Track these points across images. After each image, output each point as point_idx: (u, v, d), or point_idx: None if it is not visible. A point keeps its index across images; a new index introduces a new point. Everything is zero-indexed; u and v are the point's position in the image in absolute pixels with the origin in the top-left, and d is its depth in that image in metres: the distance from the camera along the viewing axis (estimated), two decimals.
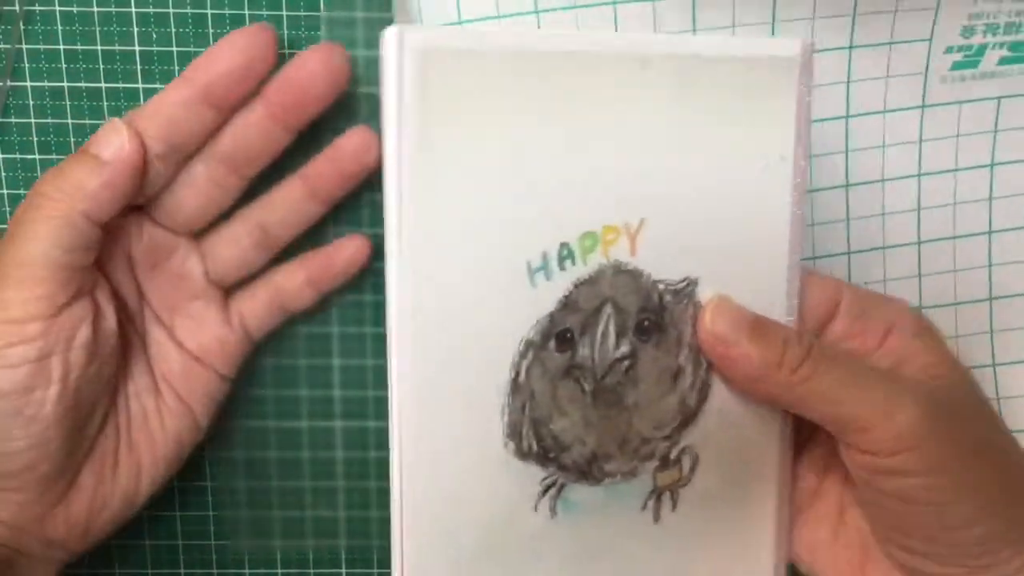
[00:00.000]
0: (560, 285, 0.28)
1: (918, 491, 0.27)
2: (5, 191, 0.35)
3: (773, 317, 0.28)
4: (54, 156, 0.34)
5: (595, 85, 0.27)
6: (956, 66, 0.33)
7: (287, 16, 0.33)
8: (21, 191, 0.35)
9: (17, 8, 0.33)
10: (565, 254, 0.27)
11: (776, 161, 0.28)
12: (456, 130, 0.26)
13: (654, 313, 0.28)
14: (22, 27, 0.33)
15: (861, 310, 0.29)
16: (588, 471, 0.29)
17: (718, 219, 0.28)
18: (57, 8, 0.33)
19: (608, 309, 0.28)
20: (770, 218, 0.29)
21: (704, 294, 0.28)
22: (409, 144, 0.26)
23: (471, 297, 0.27)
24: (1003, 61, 0.33)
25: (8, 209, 0.35)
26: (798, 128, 0.28)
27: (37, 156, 0.34)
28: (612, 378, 0.28)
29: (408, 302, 0.27)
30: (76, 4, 0.33)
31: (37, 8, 0.33)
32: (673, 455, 0.29)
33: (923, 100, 0.33)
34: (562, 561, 0.29)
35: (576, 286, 0.28)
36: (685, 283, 0.28)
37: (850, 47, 0.33)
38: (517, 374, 0.28)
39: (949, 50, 0.33)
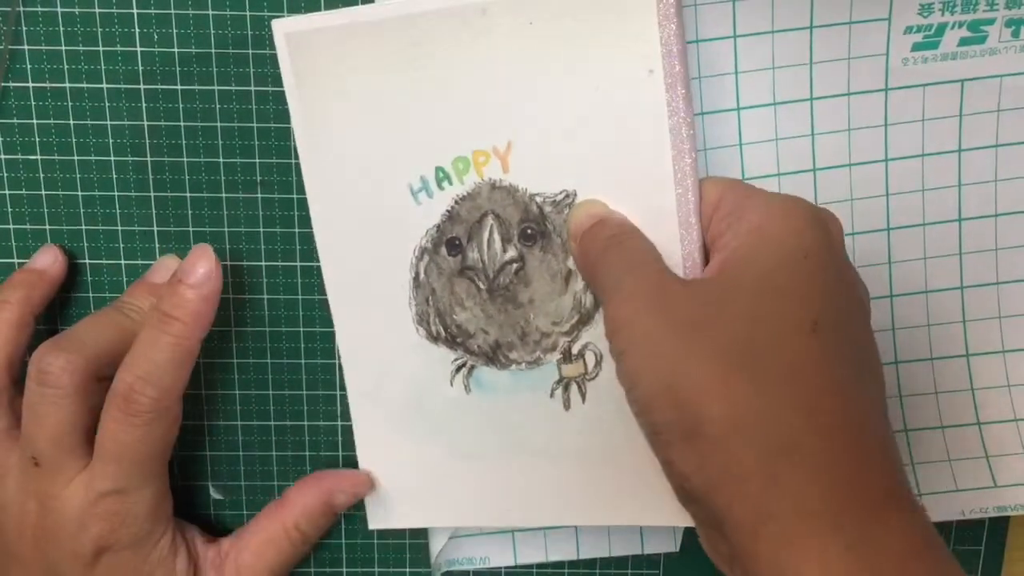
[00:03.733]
0: (442, 202, 0.33)
1: (619, 374, 0.28)
2: (7, 191, 0.35)
3: (664, 223, 0.31)
4: (55, 156, 0.34)
5: (443, 36, 0.31)
6: (916, 47, 0.33)
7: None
8: (22, 191, 0.35)
9: (10, 9, 0.33)
10: (441, 176, 0.32)
11: (645, 75, 0.31)
12: (332, 92, 0.32)
13: (535, 222, 0.32)
14: (23, 27, 0.33)
15: (734, 206, 0.30)
16: (494, 357, 0.34)
17: (590, 135, 0.31)
18: (58, 8, 0.33)
19: (489, 219, 0.33)
20: (647, 130, 0.31)
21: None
22: (300, 109, 0.32)
23: (369, 218, 0.33)
24: (963, 42, 0.33)
25: (9, 209, 0.35)
26: (664, 42, 0.30)
27: (39, 156, 0.34)
28: (504, 278, 0.33)
29: (325, 230, 0.33)
30: (77, 4, 0.33)
31: (39, 8, 0.33)
32: (575, 350, 0.33)
33: (886, 83, 0.33)
34: (480, 430, 0.34)
35: (457, 201, 0.33)
36: (563, 195, 0.32)
37: (811, 27, 0.33)
38: (417, 274, 0.33)
39: (908, 30, 0.33)
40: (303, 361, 0.37)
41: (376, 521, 0.36)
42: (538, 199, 0.32)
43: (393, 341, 0.34)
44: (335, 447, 0.38)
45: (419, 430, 0.35)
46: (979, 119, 0.34)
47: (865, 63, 0.33)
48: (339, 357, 0.35)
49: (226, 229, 0.35)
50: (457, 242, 0.33)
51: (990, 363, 0.36)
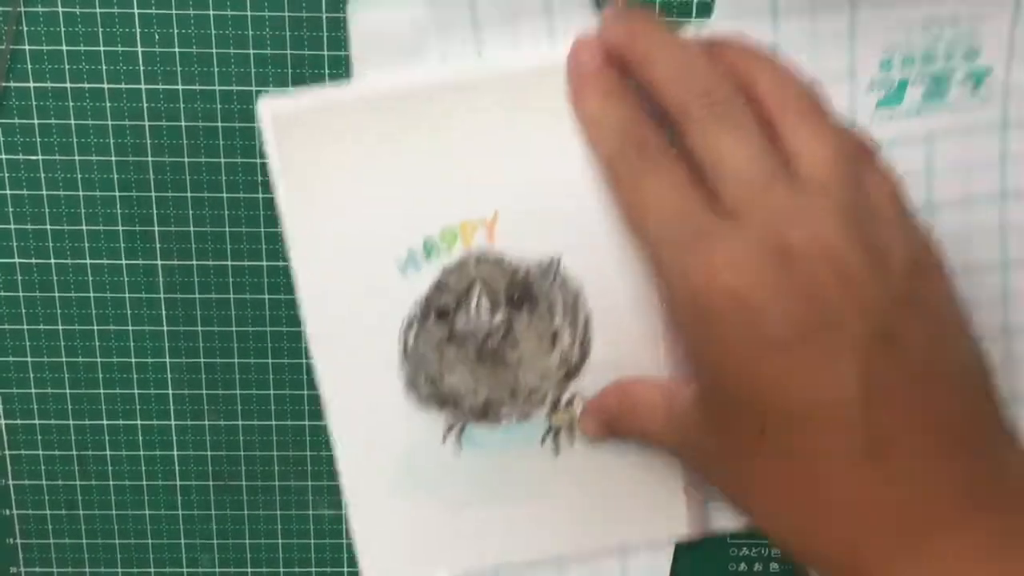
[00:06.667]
0: (430, 273, 0.33)
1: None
2: (7, 191, 0.35)
3: (645, 286, 0.33)
4: (56, 157, 0.34)
5: (429, 112, 0.32)
6: (881, 104, 0.33)
7: (289, 16, 0.33)
8: (23, 191, 0.35)
9: (11, 8, 0.33)
10: (429, 248, 0.33)
11: None
12: (319, 171, 0.32)
13: (522, 288, 0.33)
14: (24, 27, 0.33)
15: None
16: (485, 415, 0.35)
17: (574, 204, 0.32)
18: (59, 8, 0.33)
19: (477, 287, 0.33)
20: None
21: (568, 269, 0.33)
22: (286, 183, 0.32)
23: (357, 291, 0.33)
24: (925, 97, 0.33)
25: (10, 210, 0.35)
26: None
27: (40, 157, 0.34)
28: (492, 342, 0.34)
29: (314, 308, 0.34)
30: (78, 4, 0.33)
31: (39, 8, 0.33)
32: (564, 400, 0.34)
33: None
34: (473, 485, 0.35)
35: (444, 272, 0.33)
36: (549, 261, 0.33)
37: None
38: (405, 344, 0.34)
39: (871, 87, 0.33)
40: (304, 360, 0.37)
41: None
42: (524, 266, 0.33)
43: (383, 409, 0.35)
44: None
45: (413, 491, 0.35)
46: (947, 176, 0.33)
47: None
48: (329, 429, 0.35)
49: (227, 229, 0.35)
50: (446, 310, 0.34)
51: None
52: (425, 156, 0.32)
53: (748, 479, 0.29)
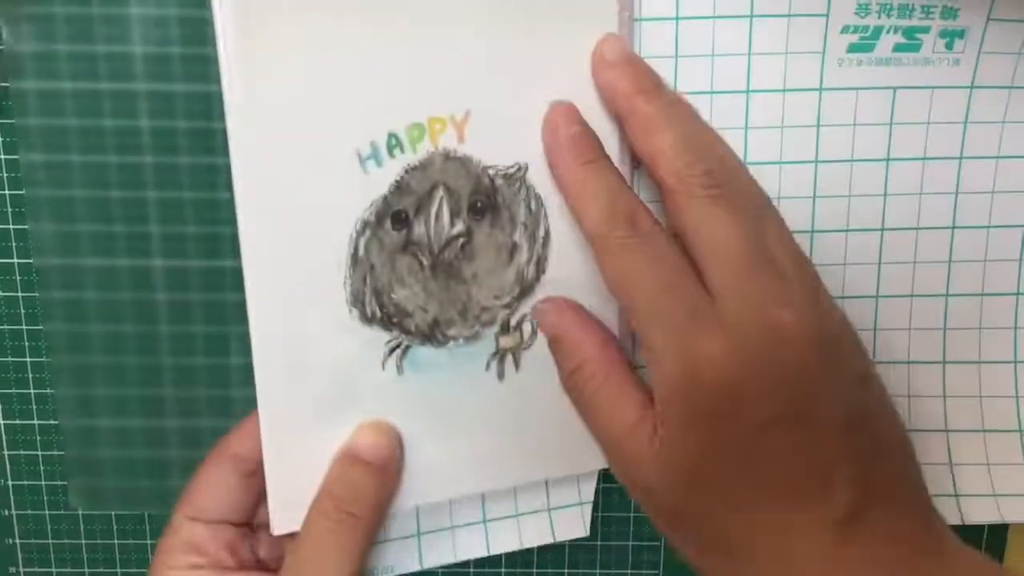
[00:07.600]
0: (392, 171, 0.31)
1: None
2: (7, 191, 0.35)
3: None
4: (56, 157, 0.34)
5: (404, 5, 0.30)
6: (852, 48, 0.32)
7: None
8: (22, 191, 0.35)
9: (11, 9, 0.33)
10: (393, 143, 0.30)
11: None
12: (282, 37, 0.29)
13: (486, 195, 0.31)
14: (23, 28, 0.33)
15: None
16: (431, 335, 0.33)
17: (544, 111, 0.31)
18: (59, 8, 0.33)
19: (440, 191, 0.31)
20: (599, 112, 0.32)
21: (533, 180, 0.32)
22: (236, 48, 0.29)
23: (308, 184, 0.30)
24: (898, 48, 0.33)
25: (9, 210, 0.35)
26: (620, 29, 0.31)
27: (39, 157, 0.34)
28: (449, 253, 0.32)
29: (250, 195, 0.30)
30: (77, 5, 0.33)
31: (39, 9, 0.33)
32: (514, 321, 0.33)
33: (821, 82, 0.33)
34: (411, 413, 0.33)
35: (407, 171, 0.31)
36: (516, 168, 0.31)
37: (751, 16, 0.32)
38: (356, 250, 0.31)
39: (845, 30, 0.32)
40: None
41: (284, 524, 0.32)
42: (491, 171, 0.32)
43: (319, 323, 0.32)
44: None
45: (343, 419, 0.32)
46: (909, 130, 0.33)
47: (802, 60, 0.33)
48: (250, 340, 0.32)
49: (227, 229, 0.36)
50: (404, 215, 0.31)
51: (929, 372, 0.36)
52: (403, 40, 0.30)
53: (721, 543, 0.29)
